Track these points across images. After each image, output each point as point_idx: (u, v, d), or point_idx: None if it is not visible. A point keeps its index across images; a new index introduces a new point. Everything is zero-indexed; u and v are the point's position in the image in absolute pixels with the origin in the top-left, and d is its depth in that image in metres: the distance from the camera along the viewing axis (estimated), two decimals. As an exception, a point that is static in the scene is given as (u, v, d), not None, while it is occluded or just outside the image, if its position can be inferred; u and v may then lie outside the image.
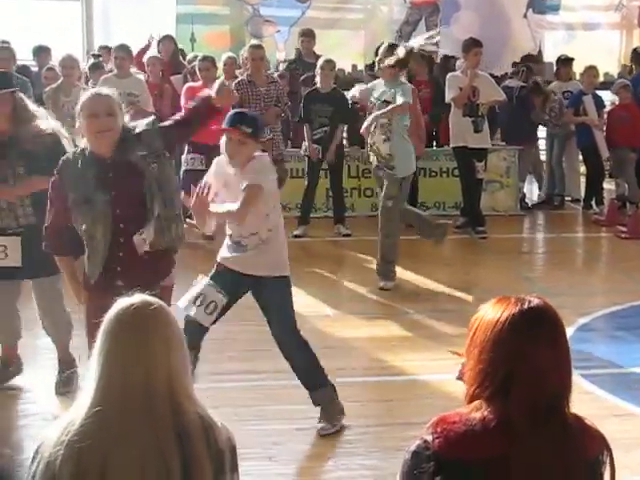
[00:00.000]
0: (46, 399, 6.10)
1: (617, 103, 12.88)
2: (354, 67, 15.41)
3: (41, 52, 12.55)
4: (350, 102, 10.61)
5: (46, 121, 6.07)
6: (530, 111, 12.88)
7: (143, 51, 12.22)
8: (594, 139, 12.53)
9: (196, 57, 11.48)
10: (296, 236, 10.86)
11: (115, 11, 16.51)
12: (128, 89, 10.51)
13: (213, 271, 5.66)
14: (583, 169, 13.29)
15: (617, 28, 17.83)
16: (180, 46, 13.48)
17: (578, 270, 10.17)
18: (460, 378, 2.58)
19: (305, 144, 11.13)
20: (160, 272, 5.06)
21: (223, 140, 5.56)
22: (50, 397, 6.15)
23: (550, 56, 16.05)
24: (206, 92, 5.35)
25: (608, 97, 13.51)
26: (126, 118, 5.00)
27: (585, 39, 16.41)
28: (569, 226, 12.52)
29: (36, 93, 11.00)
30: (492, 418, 2.39)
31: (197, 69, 10.93)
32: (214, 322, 5.60)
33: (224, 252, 5.71)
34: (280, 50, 15.40)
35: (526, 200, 13.16)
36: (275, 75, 11.64)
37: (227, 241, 5.71)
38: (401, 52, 8.85)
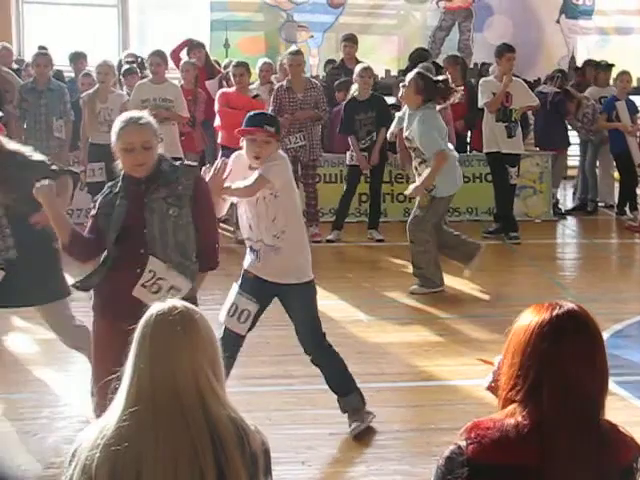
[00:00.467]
0: (81, 402, 6.16)
1: (651, 108, 12.83)
2: (387, 72, 15.42)
3: (77, 58, 12.64)
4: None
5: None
6: (564, 117, 12.84)
7: (180, 47, 12.30)
8: (627, 145, 12.47)
9: (232, 62, 11.54)
10: (329, 241, 10.89)
11: (150, 17, 16.63)
12: (163, 95, 10.60)
13: (241, 279, 5.71)
14: (616, 175, 13.23)
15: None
16: (214, 52, 13.54)
17: (611, 276, 10.12)
18: (489, 388, 2.60)
19: (350, 153, 11.06)
20: None
21: (244, 142, 5.59)
22: (85, 400, 6.21)
23: (583, 61, 15.97)
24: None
25: (642, 102, 13.44)
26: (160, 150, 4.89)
27: (618, 44, 16.31)
28: (602, 232, 12.47)
29: (72, 99, 11.13)
30: (526, 424, 2.40)
31: (231, 75, 10.99)
32: (250, 329, 5.64)
33: (247, 259, 5.76)
34: (313, 56, 15.45)
35: (559, 206, 13.11)
36: (315, 81, 11.63)
37: (247, 249, 5.77)
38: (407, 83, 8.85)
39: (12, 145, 5.88)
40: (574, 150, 13.95)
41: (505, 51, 11.13)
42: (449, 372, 6.83)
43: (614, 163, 13.11)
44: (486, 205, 12.17)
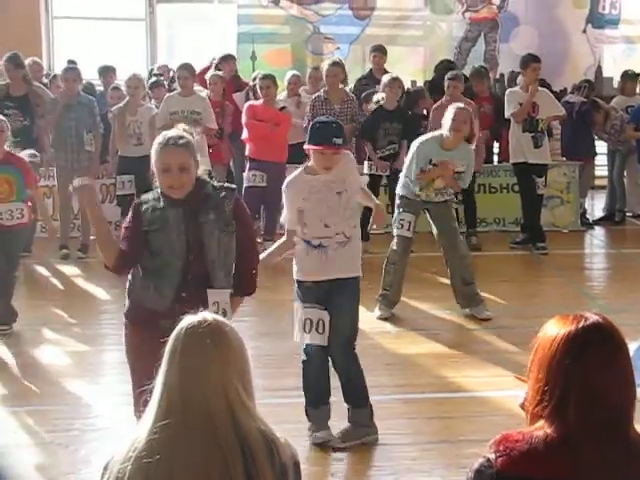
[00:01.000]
0: (111, 414, 6.21)
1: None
2: (413, 83, 15.46)
3: (107, 72, 12.77)
4: None
5: None
6: (590, 127, 12.82)
7: (205, 70, 12.38)
8: (656, 154, 12.44)
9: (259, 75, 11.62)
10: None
11: (178, 31, 16.75)
12: (191, 107, 10.67)
13: (299, 292, 5.72)
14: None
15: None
16: (241, 65, 13.62)
17: (640, 286, 10.09)
18: (522, 406, 2.61)
19: (368, 163, 11.05)
20: None
21: (313, 156, 5.65)
22: (115, 412, 6.26)
23: (609, 71, 15.95)
24: None
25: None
26: (200, 170, 4.88)
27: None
28: (631, 242, 12.42)
29: (102, 112, 11.24)
30: (555, 437, 2.40)
31: (258, 87, 11.06)
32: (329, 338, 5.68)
33: (303, 266, 5.75)
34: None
35: (587, 216, 13.08)
36: (351, 94, 11.66)
37: (302, 253, 5.74)
38: None
39: None
40: (601, 160, 13.91)
41: (530, 61, 11.13)
42: (478, 383, 6.83)
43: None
44: (513, 215, 12.16)
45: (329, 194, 5.66)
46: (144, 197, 4.92)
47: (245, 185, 10.66)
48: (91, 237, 9.95)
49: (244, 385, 2.69)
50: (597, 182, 14.27)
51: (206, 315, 2.75)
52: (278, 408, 6.00)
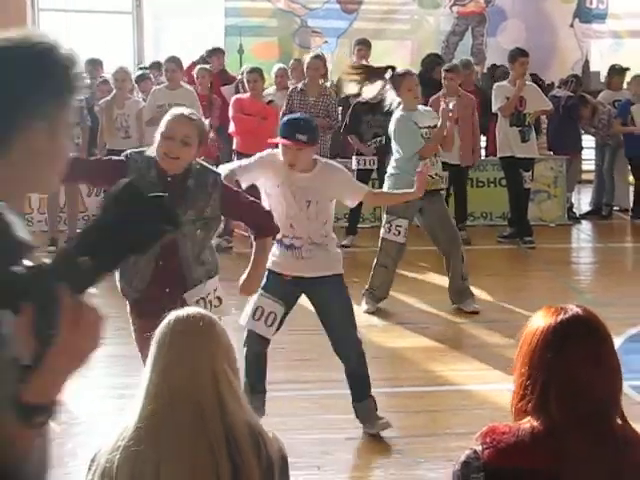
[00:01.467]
0: (98, 407, 6.19)
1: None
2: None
3: (93, 65, 12.71)
4: None
5: None
6: (577, 121, 12.84)
7: (193, 66, 12.35)
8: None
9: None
10: (343, 246, 10.89)
11: (165, 23, 16.69)
12: (179, 100, 10.63)
13: (265, 281, 5.66)
14: (631, 178, 13.22)
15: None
16: (228, 58, 13.59)
17: (627, 280, 10.10)
18: None
19: (356, 157, 11.04)
20: None
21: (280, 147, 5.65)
22: (103, 405, 6.25)
23: (597, 65, 15.97)
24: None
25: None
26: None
27: (633, 47, 16.30)
28: (617, 236, 12.46)
29: (89, 105, 11.20)
30: (541, 429, 2.41)
31: (245, 81, 11.04)
32: (275, 332, 5.66)
33: (276, 259, 5.71)
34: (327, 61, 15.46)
35: (574, 210, 13.10)
36: (330, 89, 11.65)
37: (277, 247, 5.71)
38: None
39: None
40: (588, 154, 13.94)
41: (518, 55, 11.13)
42: (464, 377, 6.84)
43: (629, 167, 13.11)
44: (500, 210, 12.18)
45: (295, 200, 5.60)
46: (135, 155, 4.88)
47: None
48: (77, 230, 9.90)
49: (233, 376, 2.71)
50: (584, 176, 14.30)
51: (194, 309, 2.81)
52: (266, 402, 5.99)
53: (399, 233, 8.40)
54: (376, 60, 12.85)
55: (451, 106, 8.41)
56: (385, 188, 8.43)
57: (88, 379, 6.80)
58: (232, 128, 10.89)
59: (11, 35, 1.95)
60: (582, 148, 13.42)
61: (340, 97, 11.60)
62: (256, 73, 10.89)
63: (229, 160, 11.02)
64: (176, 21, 16.44)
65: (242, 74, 12.05)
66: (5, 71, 1.90)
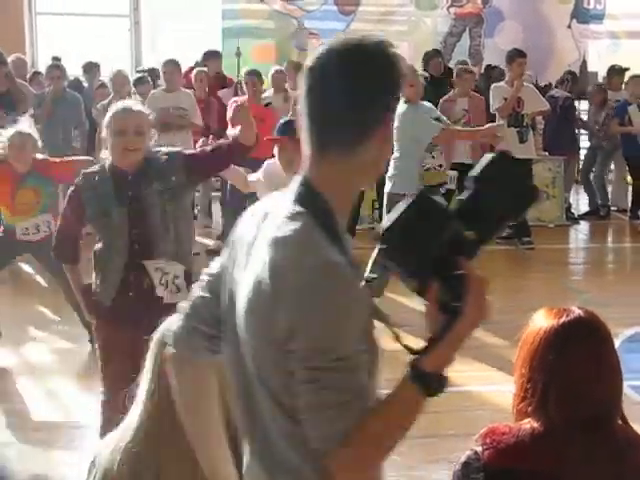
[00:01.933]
0: (96, 411, 6.18)
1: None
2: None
3: (91, 68, 12.74)
4: None
5: None
6: (573, 122, 12.85)
7: (190, 71, 12.36)
8: (640, 149, 12.48)
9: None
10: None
11: (163, 26, 16.70)
12: (177, 103, 10.63)
13: None
14: (629, 179, 13.23)
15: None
16: (226, 61, 13.59)
17: (625, 280, 10.11)
18: None
19: None
20: None
21: (276, 152, 5.65)
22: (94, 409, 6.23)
23: (594, 66, 15.99)
24: (232, 131, 5.25)
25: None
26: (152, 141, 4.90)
27: (630, 48, 16.32)
28: (615, 236, 12.47)
29: (87, 109, 11.21)
30: (542, 431, 2.41)
31: (243, 83, 11.04)
32: None
33: None
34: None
35: (572, 210, 13.11)
36: None
37: None
38: None
39: None
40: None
41: (516, 56, 11.13)
42: (465, 378, 6.83)
43: (627, 167, 13.12)
44: (499, 210, 12.15)
45: None
46: (86, 175, 4.83)
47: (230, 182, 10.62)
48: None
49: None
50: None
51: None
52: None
53: None
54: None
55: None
56: (388, 189, 8.49)
57: (86, 383, 6.81)
58: (230, 131, 10.88)
59: (353, 35, 2.19)
60: (579, 148, 13.43)
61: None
62: (254, 75, 10.89)
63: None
64: (173, 24, 16.46)
65: (239, 76, 12.07)
66: (373, 66, 2.13)
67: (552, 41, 16.06)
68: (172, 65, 10.87)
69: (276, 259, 2.07)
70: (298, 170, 5.71)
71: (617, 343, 2.56)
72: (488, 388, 6.38)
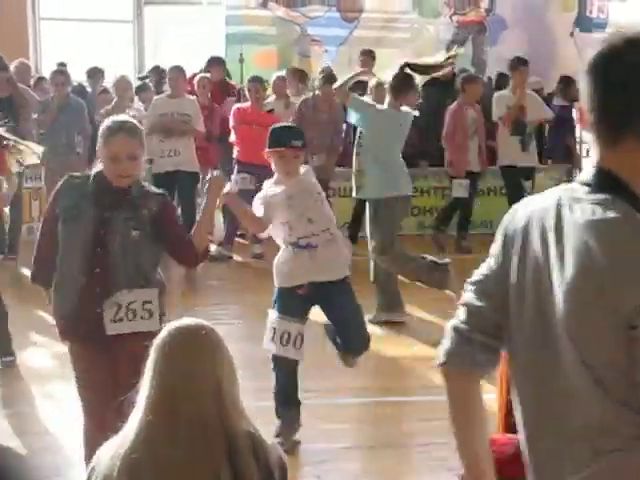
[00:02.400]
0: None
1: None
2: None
3: (95, 74, 12.75)
4: None
5: None
6: (572, 129, 12.85)
7: (194, 77, 12.37)
8: None
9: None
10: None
11: (166, 32, 16.71)
12: (181, 109, 10.63)
13: (277, 302, 5.64)
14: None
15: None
16: (229, 67, 13.60)
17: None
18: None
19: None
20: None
21: (272, 158, 5.64)
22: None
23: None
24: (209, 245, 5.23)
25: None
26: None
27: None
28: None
29: (90, 114, 11.22)
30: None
31: (246, 90, 11.05)
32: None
33: (286, 268, 5.67)
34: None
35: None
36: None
37: (288, 255, 5.66)
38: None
39: None
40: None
41: (519, 64, 11.16)
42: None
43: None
44: (501, 218, 12.07)
45: (307, 193, 5.62)
46: (72, 176, 4.81)
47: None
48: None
49: (233, 385, 2.73)
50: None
51: (192, 319, 2.79)
52: (263, 410, 5.98)
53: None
54: (376, 69, 12.87)
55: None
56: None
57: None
58: (233, 137, 10.90)
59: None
60: (581, 156, 13.44)
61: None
62: (257, 82, 10.92)
63: (229, 169, 11.05)
64: (177, 30, 16.47)
65: (242, 83, 12.08)
66: None
67: (555, 49, 16.06)
68: (177, 71, 10.88)
69: (609, 242, 2.13)
70: (296, 176, 5.69)
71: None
72: (489, 396, 6.36)
